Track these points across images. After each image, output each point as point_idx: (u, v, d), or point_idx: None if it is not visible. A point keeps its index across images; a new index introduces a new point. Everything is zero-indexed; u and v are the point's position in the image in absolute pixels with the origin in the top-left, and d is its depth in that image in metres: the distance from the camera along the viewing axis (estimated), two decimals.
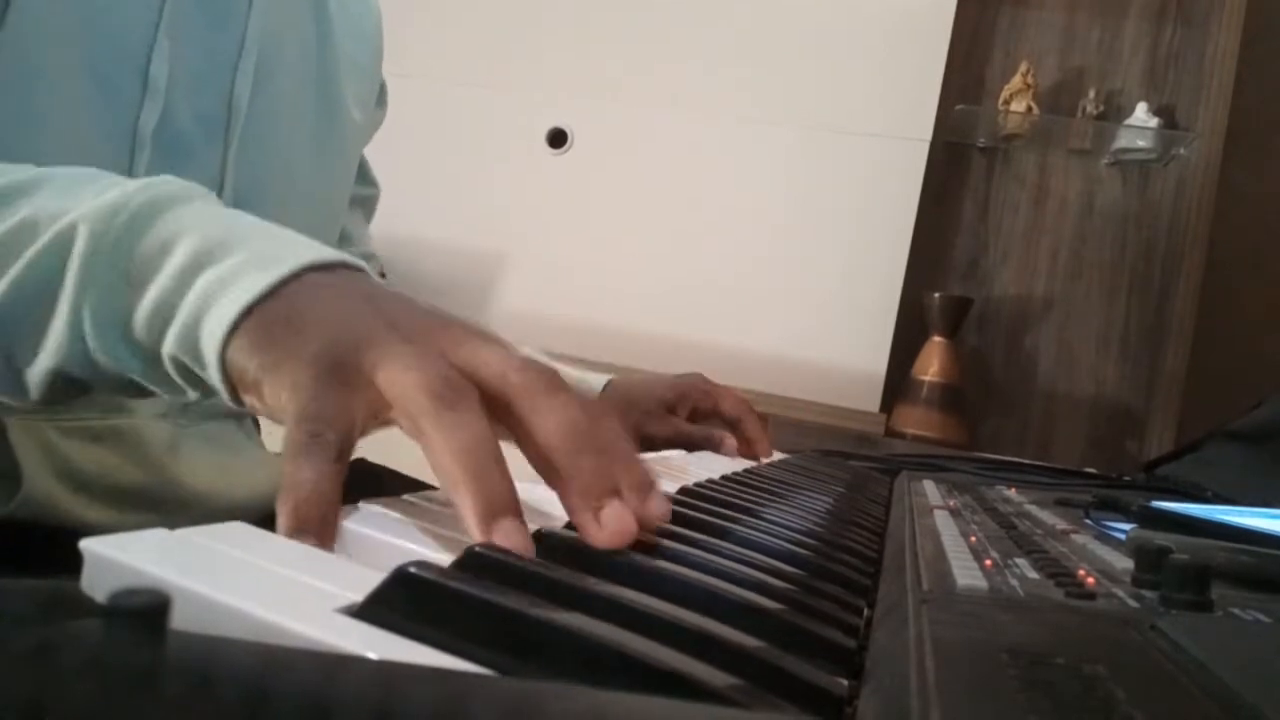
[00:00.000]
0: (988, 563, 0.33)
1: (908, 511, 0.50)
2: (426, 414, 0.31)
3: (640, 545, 0.31)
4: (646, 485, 0.34)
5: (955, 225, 1.89)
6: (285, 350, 0.33)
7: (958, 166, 1.90)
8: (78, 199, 0.40)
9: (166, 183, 0.41)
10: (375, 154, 0.90)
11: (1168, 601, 0.27)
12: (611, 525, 0.31)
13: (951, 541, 0.38)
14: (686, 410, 0.90)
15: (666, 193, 1.83)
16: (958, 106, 1.81)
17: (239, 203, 0.62)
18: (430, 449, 0.31)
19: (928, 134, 1.75)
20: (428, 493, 0.37)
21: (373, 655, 0.19)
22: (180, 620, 0.17)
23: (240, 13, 0.62)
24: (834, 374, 1.74)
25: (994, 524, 0.46)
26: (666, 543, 0.32)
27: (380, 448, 0.84)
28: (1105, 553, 0.38)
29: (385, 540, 0.29)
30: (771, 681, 0.21)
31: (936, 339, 1.74)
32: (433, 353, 0.33)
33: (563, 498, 0.32)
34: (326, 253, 0.38)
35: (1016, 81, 1.80)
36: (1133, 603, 0.28)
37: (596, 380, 0.91)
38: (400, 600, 0.21)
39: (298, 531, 0.28)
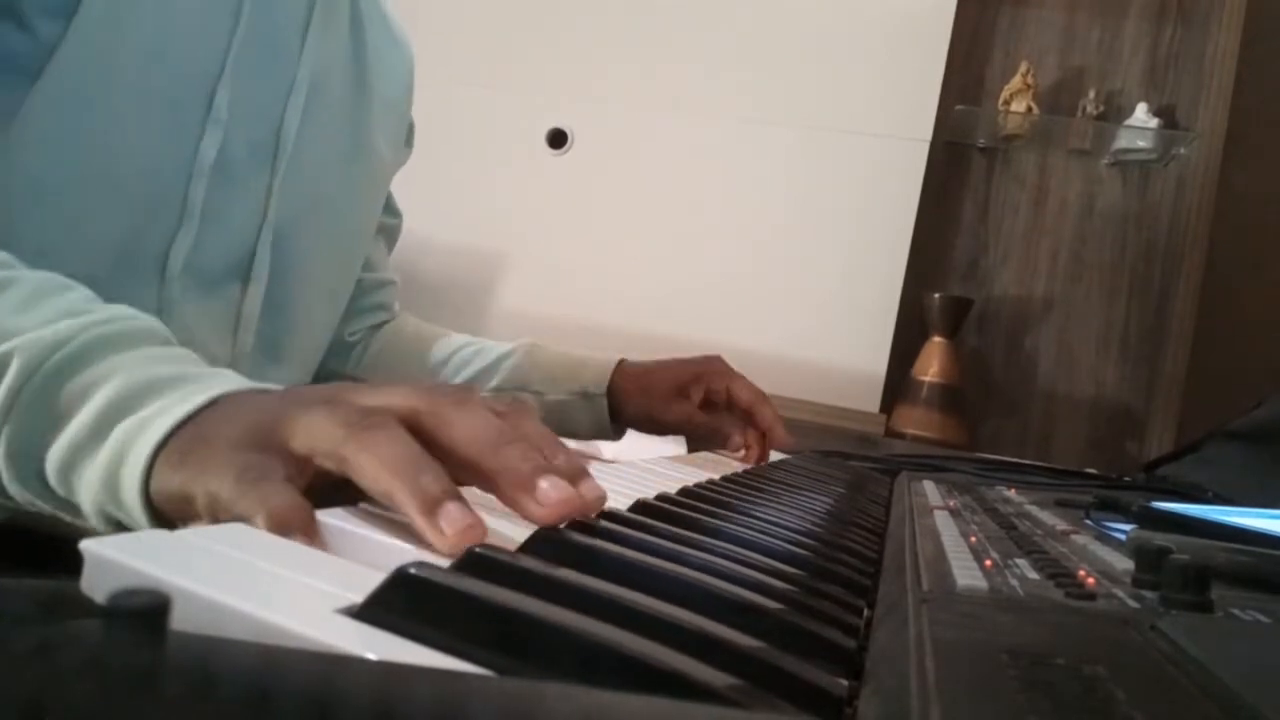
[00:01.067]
0: (988, 563, 0.33)
1: (908, 512, 0.50)
2: (346, 441, 0.31)
3: (616, 538, 0.31)
4: (576, 471, 0.34)
5: (955, 225, 1.89)
6: (203, 455, 0.33)
7: (958, 167, 1.90)
8: (29, 319, 0.39)
9: (119, 319, 0.40)
10: None
11: (1168, 602, 0.27)
12: (551, 498, 0.31)
13: (951, 542, 0.38)
14: (700, 394, 0.87)
15: (667, 193, 1.83)
16: (958, 107, 1.81)
17: (278, 232, 0.67)
18: (358, 469, 0.31)
19: (928, 134, 1.75)
20: None
21: (372, 656, 0.19)
22: (180, 621, 0.17)
23: (294, 48, 0.66)
24: (834, 374, 1.74)
25: (994, 524, 0.46)
26: (667, 543, 0.32)
27: None
28: (1105, 553, 0.38)
29: (384, 540, 0.29)
30: (771, 681, 0.21)
31: (936, 339, 1.74)
32: (341, 403, 0.33)
33: (498, 494, 0.32)
34: (244, 384, 0.38)
35: (1016, 82, 1.80)
36: (1133, 603, 0.28)
37: (608, 360, 0.89)
38: (400, 600, 0.21)
39: (283, 533, 0.28)
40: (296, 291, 0.71)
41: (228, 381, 0.38)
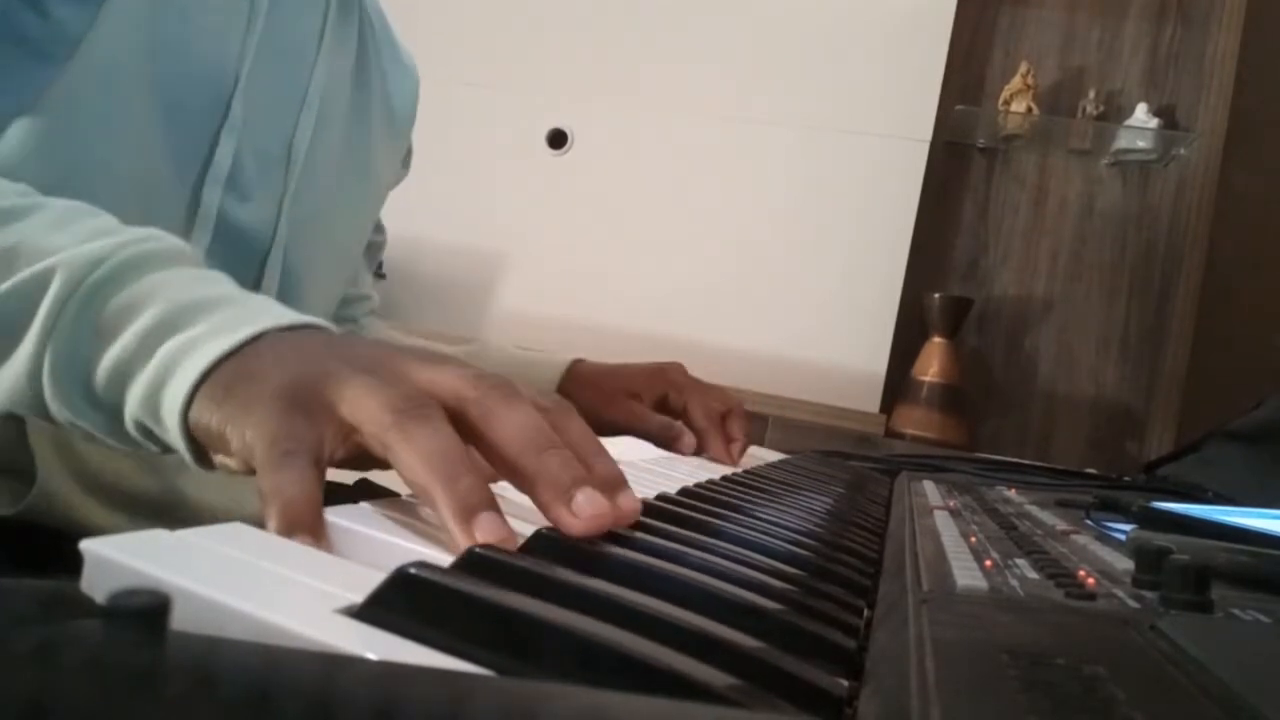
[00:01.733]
0: (988, 563, 0.33)
1: (908, 512, 0.50)
2: (391, 428, 0.31)
3: (616, 538, 0.31)
4: (615, 481, 0.34)
5: (955, 225, 1.89)
6: (246, 396, 0.34)
7: (958, 167, 1.90)
8: (64, 238, 0.39)
9: (153, 239, 0.41)
10: None
11: (1168, 602, 0.27)
12: (586, 512, 0.31)
13: (951, 542, 0.38)
14: (652, 397, 0.82)
15: (666, 193, 1.83)
16: (958, 107, 1.81)
17: (287, 246, 0.66)
18: (399, 460, 0.31)
19: (928, 134, 1.75)
20: None
21: (372, 656, 0.19)
22: (180, 621, 0.17)
23: (308, 61, 0.65)
24: (834, 374, 1.74)
25: (994, 524, 0.46)
26: (667, 543, 0.32)
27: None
28: (1105, 553, 0.38)
29: (385, 540, 0.29)
30: (771, 682, 0.21)
31: (936, 339, 1.74)
32: (390, 377, 0.34)
33: (534, 498, 0.32)
34: (290, 316, 0.38)
35: (1016, 82, 1.80)
36: (1133, 603, 0.28)
37: (560, 361, 0.86)
38: (400, 601, 0.21)
39: (290, 531, 0.29)
40: (298, 306, 0.70)
41: (271, 311, 0.38)
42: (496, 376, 0.35)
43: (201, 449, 0.36)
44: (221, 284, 0.40)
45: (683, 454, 0.76)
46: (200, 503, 0.62)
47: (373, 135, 0.76)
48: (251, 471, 0.33)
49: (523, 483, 0.33)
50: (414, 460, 0.30)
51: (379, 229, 0.94)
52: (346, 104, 0.73)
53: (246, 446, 0.33)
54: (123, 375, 0.37)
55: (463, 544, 0.29)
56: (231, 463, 0.35)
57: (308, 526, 0.29)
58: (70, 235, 0.40)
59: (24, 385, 0.38)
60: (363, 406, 0.32)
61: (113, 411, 0.38)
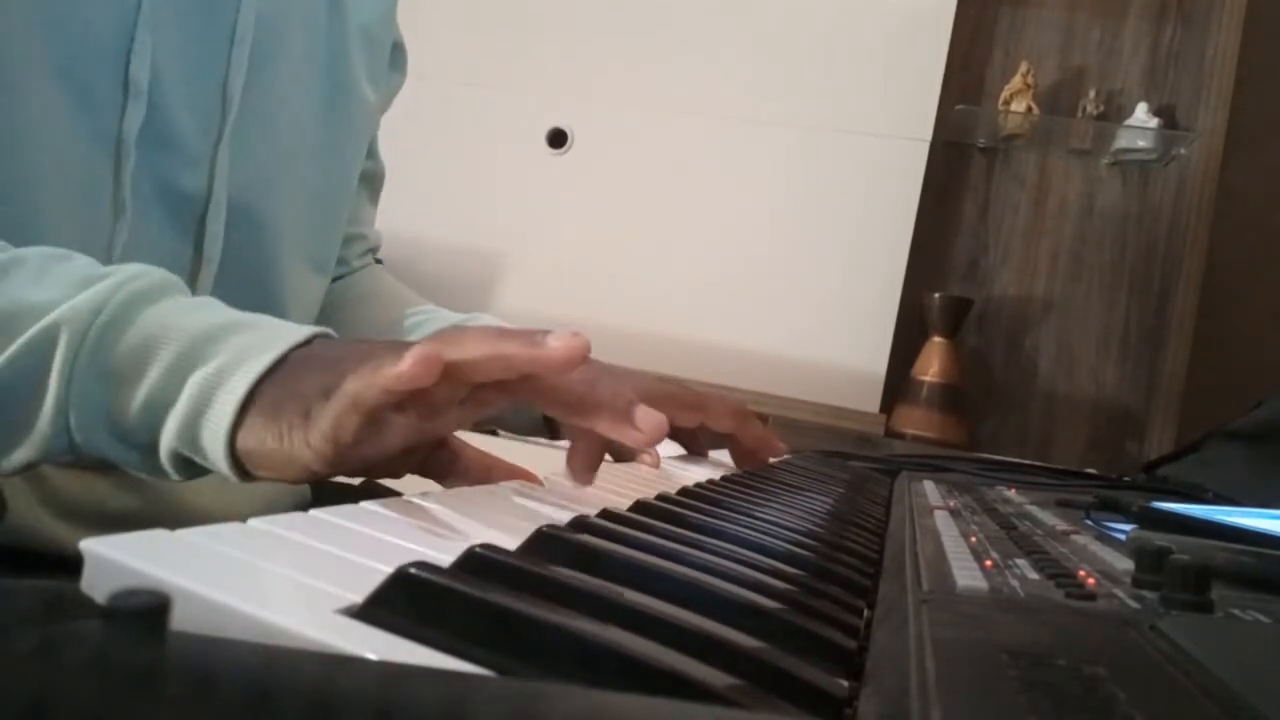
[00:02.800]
0: (988, 563, 0.33)
1: (908, 512, 0.50)
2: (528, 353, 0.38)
3: (617, 538, 0.32)
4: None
5: (955, 225, 1.89)
6: (292, 408, 0.38)
7: (958, 166, 1.90)
8: (53, 291, 0.40)
9: (139, 277, 0.42)
10: None
11: (1168, 602, 0.27)
12: (647, 423, 0.38)
13: (951, 542, 0.38)
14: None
15: (666, 193, 1.83)
16: (958, 106, 1.81)
17: (237, 199, 0.60)
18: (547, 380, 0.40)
19: (928, 134, 1.75)
20: (428, 493, 0.37)
21: (372, 656, 0.19)
22: (180, 621, 0.17)
23: None
24: (834, 374, 1.74)
25: (994, 524, 0.46)
26: (667, 543, 0.32)
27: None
28: (1105, 553, 0.38)
29: (385, 540, 0.29)
30: (771, 682, 0.21)
31: (936, 339, 1.74)
32: (433, 350, 0.37)
33: (595, 427, 0.39)
34: (302, 331, 0.41)
35: (1016, 82, 1.80)
36: (1133, 603, 0.28)
37: None
38: (400, 600, 0.21)
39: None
40: (274, 263, 0.65)
41: (284, 331, 0.41)
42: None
43: (243, 468, 0.39)
44: (220, 309, 0.43)
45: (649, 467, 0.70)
46: (190, 511, 0.60)
47: (350, 48, 0.69)
48: (313, 476, 0.38)
49: (580, 415, 0.41)
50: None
51: (375, 156, 0.83)
52: (310, 23, 0.65)
53: (317, 441, 0.37)
54: (154, 414, 0.39)
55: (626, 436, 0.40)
56: (280, 473, 0.39)
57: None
58: (58, 287, 0.40)
59: (51, 441, 0.40)
60: (468, 346, 0.38)
61: (147, 448, 0.40)
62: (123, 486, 0.57)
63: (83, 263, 0.43)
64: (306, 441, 0.37)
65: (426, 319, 0.77)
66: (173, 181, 0.57)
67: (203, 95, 0.58)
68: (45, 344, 0.39)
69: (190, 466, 0.41)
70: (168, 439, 0.39)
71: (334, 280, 0.80)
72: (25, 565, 0.51)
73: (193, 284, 0.59)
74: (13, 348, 0.39)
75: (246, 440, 0.38)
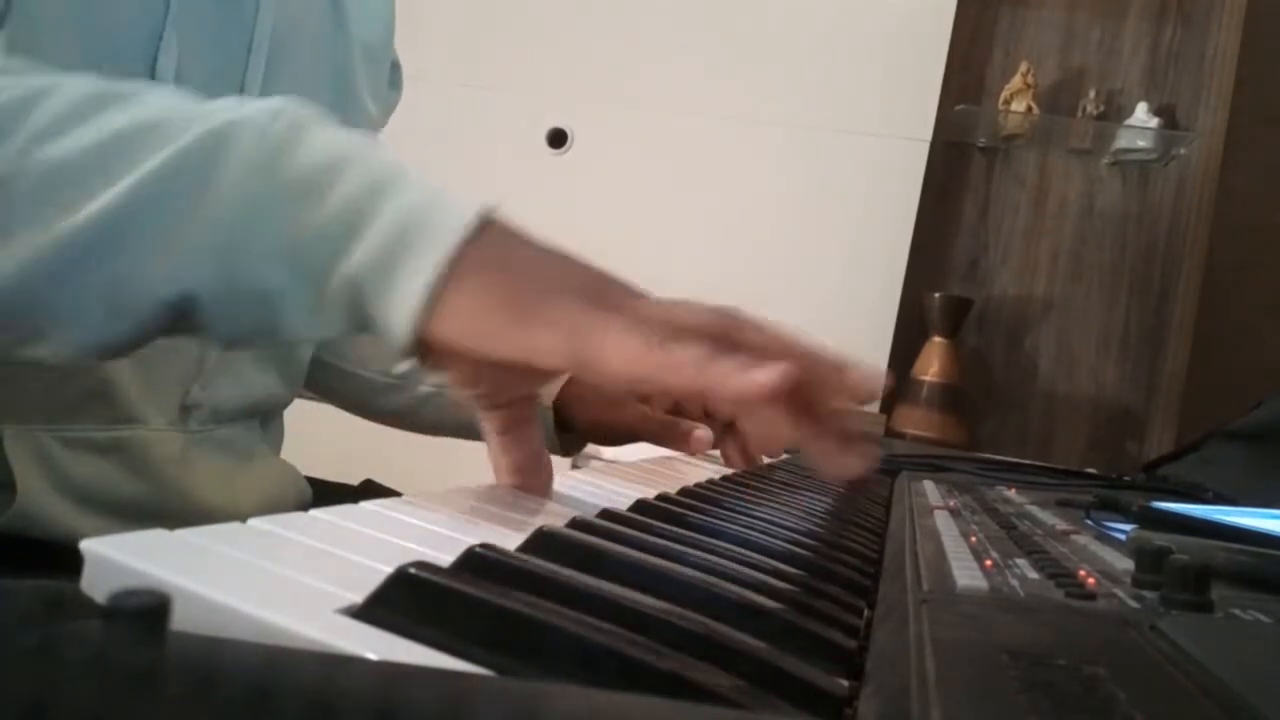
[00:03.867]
0: (988, 563, 0.33)
1: (908, 512, 0.50)
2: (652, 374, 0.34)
3: (617, 538, 0.32)
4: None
5: (955, 225, 1.89)
6: (540, 317, 0.35)
7: (958, 166, 1.90)
8: (200, 106, 0.37)
9: (305, 106, 0.39)
10: None
11: (1168, 602, 0.27)
12: (765, 375, 0.33)
13: (952, 542, 0.38)
14: (665, 402, 0.73)
15: (666, 193, 1.83)
16: (958, 106, 1.81)
17: None
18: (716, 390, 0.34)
19: (928, 134, 1.75)
20: (428, 493, 0.37)
21: (372, 656, 0.19)
22: (180, 621, 0.17)
23: (250, 4, 0.60)
24: None
25: (994, 524, 0.46)
26: (667, 543, 0.32)
27: (384, 458, 0.84)
28: (1106, 553, 0.38)
29: (385, 540, 0.29)
30: (771, 682, 0.21)
31: (936, 339, 1.74)
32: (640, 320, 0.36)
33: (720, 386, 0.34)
34: (480, 201, 0.38)
35: (1016, 81, 1.80)
36: (1133, 603, 0.28)
37: None
38: (400, 600, 0.21)
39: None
40: None
41: (461, 202, 0.37)
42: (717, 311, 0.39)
43: (429, 335, 0.34)
44: (366, 141, 0.39)
45: (697, 452, 0.69)
46: (193, 502, 0.61)
47: (354, 64, 0.70)
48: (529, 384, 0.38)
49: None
50: (680, 379, 0.34)
51: None
52: (317, 36, 0.67)
53: (548, 346, 0.34)
54: (346, 233, 0.35)
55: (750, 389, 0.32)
56: (470, 374, 0.37)
57: (535, 477, 0.39)
58: (205, 103, 0.37)
59: (212, 260, 0.35)
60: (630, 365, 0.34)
61: (319, 276, 0.35)
62: (132, 473, 0.58)
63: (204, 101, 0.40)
64: (540, 337, 0.34)
65: None
66: None
67: (222, 96, 0.59)
68: (215, 144, 0.35)
69: (355, 315, 0.36)
70: (350, 268, 0.34)
71: None
72: (32, 550, 0.51)
73: None
74: (168, 150, 0.35)
75: (457, 301, 0.34)
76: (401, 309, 0.34)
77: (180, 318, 0.37)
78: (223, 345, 0.41)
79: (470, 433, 0.76)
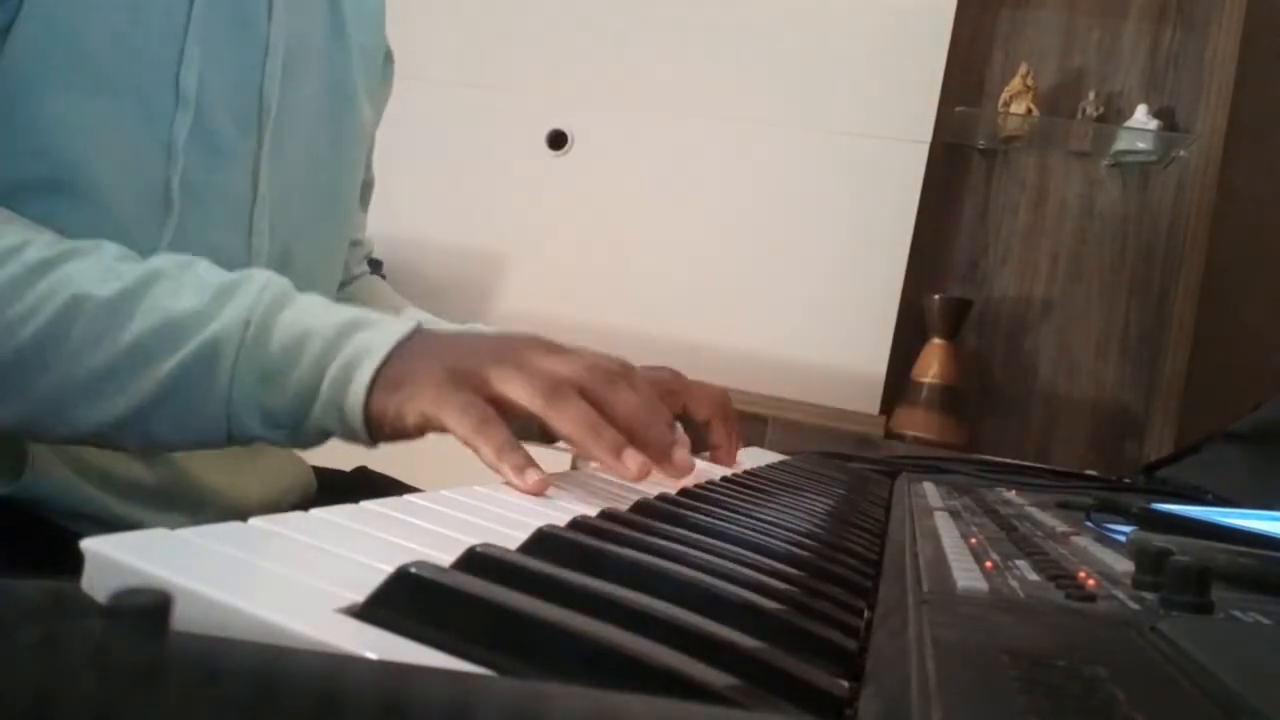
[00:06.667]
0: (988, 564, 0.33)
1: (908, 513, 0.50)
2: (543, 407, 0.47)
3: (617, 538, 0.32)
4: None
5: (955, 227, 1.89)
6: (416, 383, 0.47)
7: (958, 168, 1.90)
8: (194, 298, 0.48)
9: (267, 287, 0.50)
10: (375, 154, 0.89)
11: (1168, 603, 0.27)
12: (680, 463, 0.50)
13: (952, 543, 0.38)
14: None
15: (666, 194, 1.83)
16: (957, 108, 1.81)
17: (271, 200, 0.65)
18: (557, 424, 0.47)
19: (928, 136, 1.75)
20: (428, 493, 0.37)
21: (373, 655, 0.19)
22: (181, 620, 0.17)
23: (262, 14, 0.63)
24: (834, 376, 1.74)
25: (994, 526, 0.46)
26: (667, 543, 0.32)
27: (385, 455, 0.83)
28: (1106, 555, 0.38)
29: (385, 540, 0.29)
30: (771, 682, 0.21)
31: (936, 341, 1.74)
32: (527, 365, 0.48)
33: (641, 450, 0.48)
34: (403, 323, 0.50)
35: (1016, 83, 1.80)
36: (1133, 605, 0.28)
37: None
38: (400, 600, 0.21)
39: (523, 467, 0.44)
40: (301, 259, 0.70)
41: (393, 325, 0.50)
42: (603, 363, 0.51)
43: (374, 430, 0.48)
44: (336, 309, 0.51)
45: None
46: (201, 484, 0.62)
47: (353, 65, 0.74)
48: (422, 433, 0.48)
49: (632, 440, 0.48)
50: (567, 425, 0.46)
51: (367, 166, 0.87)
52: (321, 39, 0.70)
53: (427, 418, 0.47)
54: (302, 400, 0.48)
55: (619, 473, 0.46)
56: (401, 432, 0.48)
57: (530, 464, 0.45)
58: (199, 296, 0.48)
59: (211, 434, 0.49)
60: (514, 389, 0.47)
61: (292, 428, 0.50)
62: (139, 457, 0.60)
63: (204, 267, 0.50)
64: (422, 411, 0.47)
65: None
66: (219, 182, 0.61)
67: (244, 103, 0.63)
68: (209, 356, 0.47)
69: (324, 436, 0.50)
70: (315, 416, 0.48)
71: (341, 287, 0.85)
72: (38, 527, 0.55)
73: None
74: (178, 356, 0.47)
75: (377, 405, 0.47)
76: (357, 431, 0.48)
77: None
78: None
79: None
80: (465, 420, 0.46)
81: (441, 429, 0.47)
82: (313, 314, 0.50)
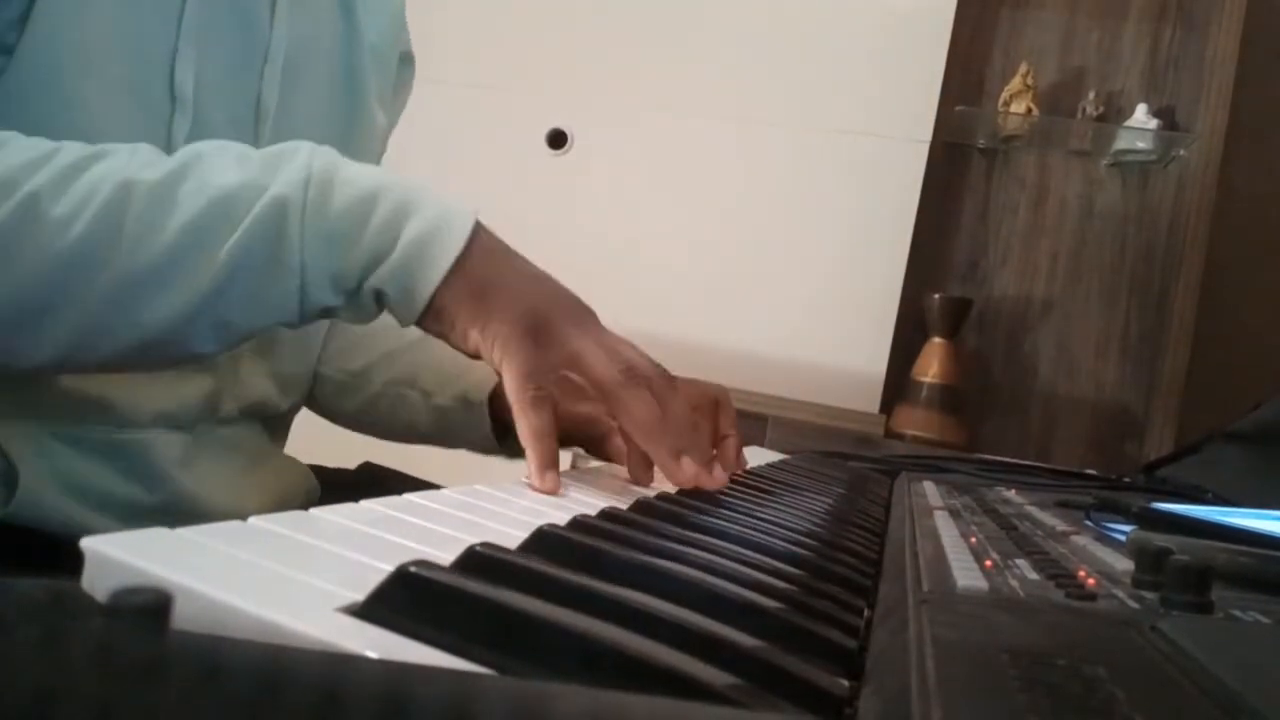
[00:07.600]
0: (988, 563, 0.33)
1: (908, 512, 0.50)
2: (620, 388, 0.47)
3: (617, 538, 0.32)
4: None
5: (955, 226, 1.89)
6: (494, 309, 0.47)
7: (958, 167, 1.90)
8: (244, 170, 0.47)
9: (316, 151, 0.49)
10: None
11: (1168, 603, 0.27)
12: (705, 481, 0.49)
13: (952, 542, 0.38)
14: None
15: (666, 194, 1.83)
16: (958, 107, 1.81)
17: None
18: (625, 415, 0.48)
19: (928, 135, 1.75)
20: (429, 492, 0.37)
21: (373, 654, 0.19)
22: (181, 619, 0.17)
23: (264, 15, 0.61)
24: (834, 375, 1.74)
25: (994, 525, 0.46)
26: (667, 542, 0.32)
27: (387, 452, 0.83)
28: (1105, 554, 0.38)
29: (386, 539, 0.29)
30: (771, 681, 0.21)
31: (936, 340, 1.74)
32: (605, 342, 0.49)
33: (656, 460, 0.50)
34: (465, 204, 0.50)
35: (1016, 83, 1.80)
36: (1133, 604, 0.28)
37: None
38: (401, 599, 0.21)
39: (546, 468, 0.45)
40: None
41: (457, 199, 0.50)
42: (661, 370, 0.51)
43: (427, 316, 0.48)
44: (382, 172, 0.50)
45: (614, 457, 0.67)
46: (198, 504, 0.60)
47: (365, 71, 0.72)
48: (477, 355, 0.49)
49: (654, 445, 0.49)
50: (637, 417, 0.47)
51: None
52: (330, 46, 0.68)
53: (486, 356, 0.48)
54: (374, 262, 0.47)
55: (670, 474, 0.48)
56: (453, 338, 0.49)
57: (556, 464, 0.45)
58: (248, 169, 0.47)
59: (283, 305, 0.47)
60: (592, 368, 0.48)
61: (354, 290, 0.49)
62: (133, 478, 0.58)
63: (240, 147, 0.49)
64: (490, 342, 0.47)
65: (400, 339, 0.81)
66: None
67: (240, 106, 0.61)
68: (276, 222, 0.46)
69: (376, 305, 0.49)
70: (377, 279, 0.47)
71: None
72: (33, 542, 0.52)
73: None
74: (244, 225, 0.45)
75: (447, 303, 0.47)
76: (414, 312, 0.48)
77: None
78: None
79: (423, 438, 0.76)
80: (525, 387, 0.46)
81: (496, 372, 0.47)
82: (371, 173, 0.49)
